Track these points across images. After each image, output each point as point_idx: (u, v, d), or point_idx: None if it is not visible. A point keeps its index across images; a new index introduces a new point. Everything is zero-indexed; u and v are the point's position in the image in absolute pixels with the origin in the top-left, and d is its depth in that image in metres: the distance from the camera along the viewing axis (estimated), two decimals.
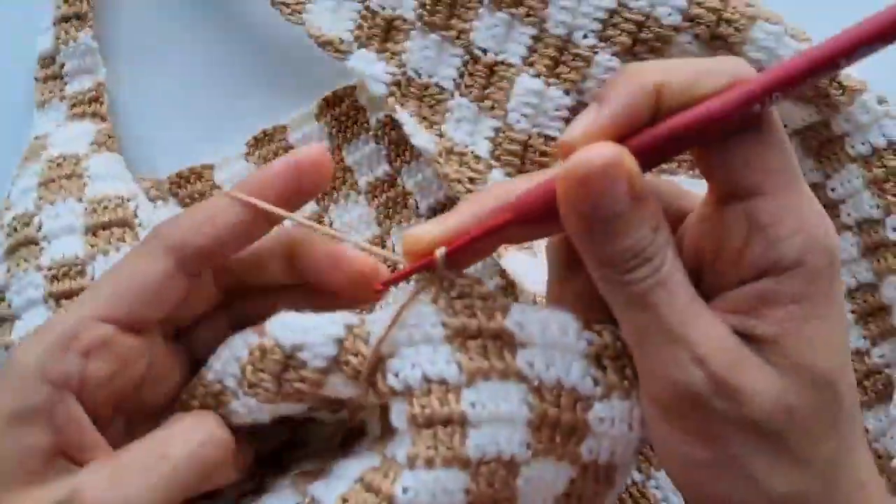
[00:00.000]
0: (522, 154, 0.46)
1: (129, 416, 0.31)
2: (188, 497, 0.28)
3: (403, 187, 0.48)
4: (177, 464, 0.27)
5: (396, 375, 0.28)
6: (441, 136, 0.46)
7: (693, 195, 0.31)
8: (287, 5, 0.46)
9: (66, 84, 0.47)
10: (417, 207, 0.48)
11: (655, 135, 0.27)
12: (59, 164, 0.44)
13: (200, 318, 0.33)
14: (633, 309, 0.27)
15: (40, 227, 0.42)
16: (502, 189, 0.30)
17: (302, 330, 0.29)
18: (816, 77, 0.26)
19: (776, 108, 0.27)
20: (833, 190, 0.45)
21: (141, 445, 0.28)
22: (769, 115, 0.27)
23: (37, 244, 0.41)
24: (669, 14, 0.44)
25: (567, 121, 0.46)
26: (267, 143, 0.48)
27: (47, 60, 0.48)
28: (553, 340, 0.28)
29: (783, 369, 0.26)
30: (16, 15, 0.49)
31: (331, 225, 0.48)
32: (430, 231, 0.29)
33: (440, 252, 0.29)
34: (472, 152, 0.46)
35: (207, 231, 0.29)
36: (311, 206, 0.48)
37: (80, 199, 0.42)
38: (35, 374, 0.27)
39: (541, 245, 0.45)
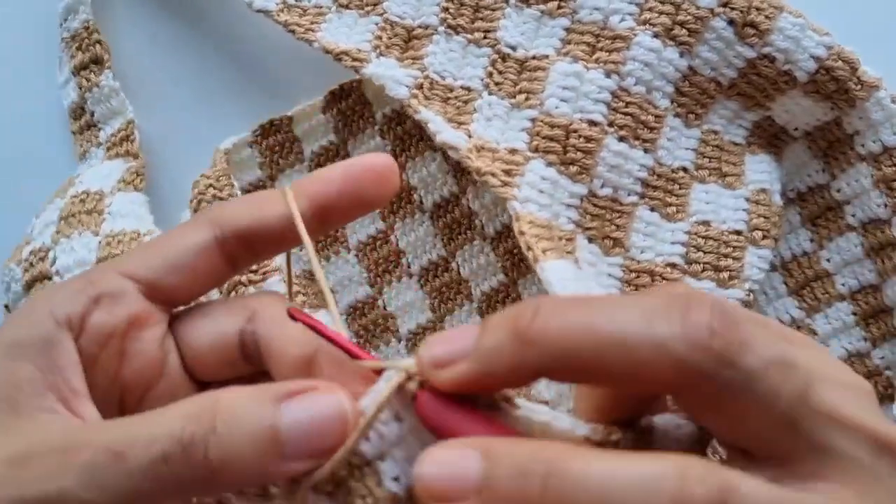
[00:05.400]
0: (565, 140, 0.42)
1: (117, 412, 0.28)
2: None
3: (408, 183, 0.48)
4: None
5: (396, 480, 0.24)
6: (470, 136, 0.43)
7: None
8: (300, 25, 0.44)
9: (100, 130, 0.47)
10: (422, 203, 0.48)
11: None
12: (82, 200, 0.43)
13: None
14: None
15: (54, 262, 0.41)
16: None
17: None
18: None
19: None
20: (838, 190, 0.45)
21: None
22: None
23: (50, 279, 0.40)
24: None
25: (609, 105, 0.43)
26: (273, 133, 0.47)
27: (77, 111, 0.47)
28: None
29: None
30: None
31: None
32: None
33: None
34: (506, 148, 0.43)
35: (253, 213, 0.29)
36: None
37: (96, 234, 0.41)
38: (43, 310, 0.27)
39: (584, 255, 0.42)
